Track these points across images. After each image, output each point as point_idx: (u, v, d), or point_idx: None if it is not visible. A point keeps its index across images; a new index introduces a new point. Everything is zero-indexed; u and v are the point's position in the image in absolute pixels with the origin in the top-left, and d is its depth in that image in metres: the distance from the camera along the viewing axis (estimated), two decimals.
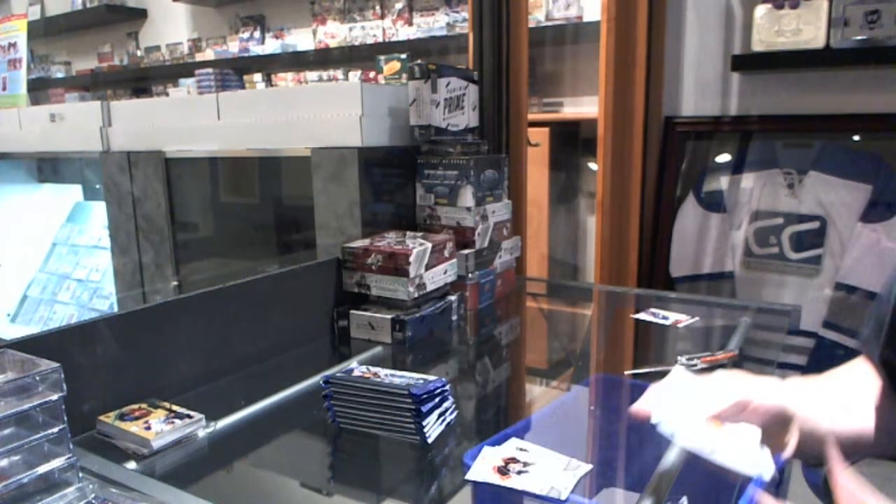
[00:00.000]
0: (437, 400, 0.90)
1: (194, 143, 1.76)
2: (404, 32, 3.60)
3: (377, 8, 3.72)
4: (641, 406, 0.75)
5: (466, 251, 1.49)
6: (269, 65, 4.14)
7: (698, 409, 0.73)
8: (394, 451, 0.91)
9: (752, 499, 0.74)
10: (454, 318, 1.45)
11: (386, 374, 0.95)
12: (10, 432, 0.70)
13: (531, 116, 2.19)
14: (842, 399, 0.84)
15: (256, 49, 4.18)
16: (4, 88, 2.45)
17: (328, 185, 1.45)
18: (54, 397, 0.72)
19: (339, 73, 3.91)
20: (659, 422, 0.73)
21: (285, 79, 4.07)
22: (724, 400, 0.73)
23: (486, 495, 0.77)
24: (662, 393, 0.76)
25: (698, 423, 0.72)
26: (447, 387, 0.93)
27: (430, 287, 1.37)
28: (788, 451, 0.74)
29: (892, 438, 0.81)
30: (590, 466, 0.79)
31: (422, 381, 0.91)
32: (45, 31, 5.27)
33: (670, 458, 0.79)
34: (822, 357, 1.83)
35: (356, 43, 3.78)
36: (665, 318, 1.41)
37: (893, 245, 1.72)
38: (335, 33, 3.89)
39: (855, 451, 0.82)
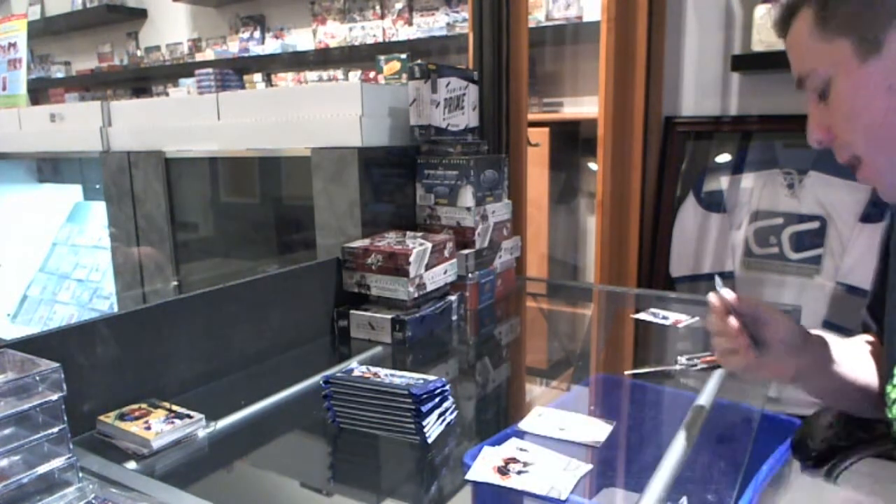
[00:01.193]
0: (437, 400, 0.90)
1: (194, 143, 1.76)
2: (404, 32, 3.60)
3: (377, 8, 3.72)
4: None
5: (466, 251, 1.49)
6: (269, 65, 4.14)
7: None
8: (394, 451, 0.91)
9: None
10: (454, 318, 1.45)
11: (386, 374, 0.95)
12: (10, 432, 0.70)
13: (531, 116, 2.19)
14: (851, 354, 0.91)
15: (256, 49, 4.18)
16: (4, 88, 2.46)
17: (328, 185, 1.45)
18: (54, 397, 0.72)
19: (339, 73, 3.91)
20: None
21: (285, 79, 4.07)
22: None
23: (486, 495, 0.77)
24: None
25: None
26: (447, 387, 0.93)
27: (430, 287, 1.37)
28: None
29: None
30: (589, 466, 0.79)
31: (422, 381, 0.91)
32: (45, 31, 5.27)
33: (671, 458, 0.79)
34: None
35: (356, 43, 3.78)
36: (665, 318, 1.41)
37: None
38: (335, 33, 3.89)
39: (860, 404, 0.90)
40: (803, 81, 0.77)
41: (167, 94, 4.41)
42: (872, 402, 0.88)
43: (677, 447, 0.82)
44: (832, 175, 1.86)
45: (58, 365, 0.73)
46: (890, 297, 0.85)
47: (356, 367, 0.98)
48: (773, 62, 1.84)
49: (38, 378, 0.72)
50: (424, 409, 0.88)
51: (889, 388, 0.79)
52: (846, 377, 0.87)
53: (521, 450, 0.83)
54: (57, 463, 0.72)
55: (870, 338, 0.95)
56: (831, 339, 0.89)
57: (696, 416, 0.91)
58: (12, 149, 2.31)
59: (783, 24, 0.80)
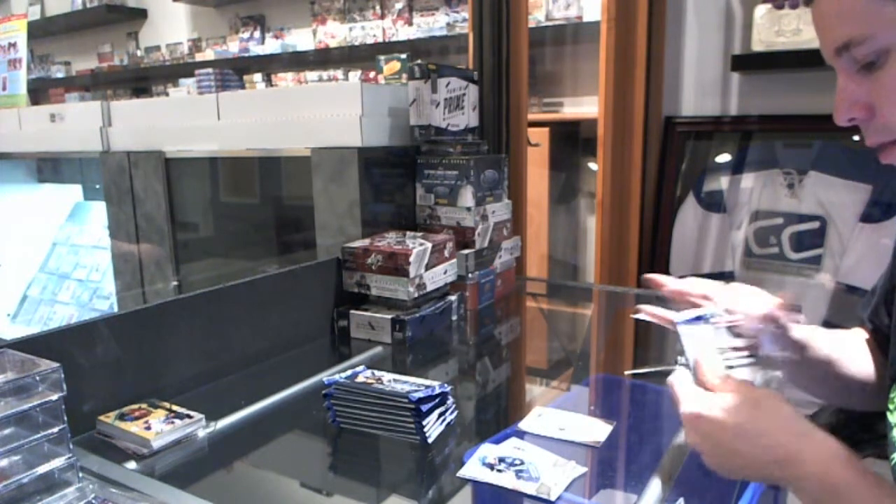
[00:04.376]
0: (437, 400, 0.90)
1: (194, 143, 1.76)
2: (404, 32, 3.60)
3: (377, 8, 3.73)
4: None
5: (466, 251, 1.49)
6: (269, 65, 4.14)
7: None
8: (394, 451, 0.91)
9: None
10: (454, 318, 1.45)
11: (389, 381, 0.94)
12: (10, 432, 0.70)
13: (531, 116, 2.19)
14: (849, 346, 0.89)
15: (256, 49, 4.18)
16: (4, 88, 2.45)
17: (328, 185, 1.45)
18: (54, 397, 0.72)
19: (339, 73, 3.91)
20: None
21: (285, 79, 4.07)
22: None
23: (485, 495, 0.77)
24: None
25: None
26: (447, 388, 0.93)
27: (430, 287, 1.37)
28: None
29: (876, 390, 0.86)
30: (584, 469, 0.79)
31: (424, 387, 0.91)
32: (45, 31, 5.27)
33: (670, 458, 0.79)
34: None
35: (356, 43, 3.78)
36: None
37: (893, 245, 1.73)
38: (335, 33, 3.89)
39: (852, 397, 0.89)
40: (847, 48, 0.64)
41: (167, 94, 4.40)
42: (866, 395, 0.87)
43: (677, 447, 0.82)
44: (832, 175, 1.86)
45: (58, 365, 0.73)
46: None
47: (361, 370, 0.98)
48: (773, 62, 1.84)
49: (38, 378, 0.72)
50: (424, 408, 0.88)
51: (893, 393, 0.78)
52: (836, 369, 0.85)
53: (518, 448, 0.83)
54: (57, 463, 0.72)
55: (864, 333, 0.94)
56: (815, 329, 0.86)
57: None
58: (12, 149, 2.31)
59: None
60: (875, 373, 0.87)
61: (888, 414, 0.77)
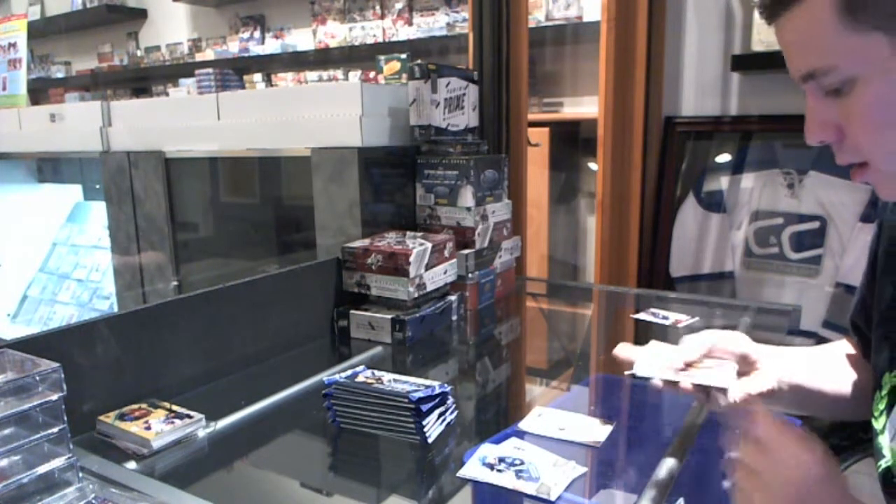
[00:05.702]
0: (437, 400, 0.90)
1: (194, 143, 1.76)
2: (404, 32, 3.60)
3: (377, 8, 3.72)
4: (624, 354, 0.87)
5: (466, 251, 1.49)
6: (269, 65, 4.14)
7: (672, 357, 0.83)
8: (394, 451, 0.91)
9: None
10: (454, 318, 1.45)
11: (389, 381, 0.94)
12: (10, 432, 0.70)
13: (531, 116, 2.19)
14: (826, 361, 0.91)
15: (256, 49, 4.18)
16: (4, 88, 2.45)
17: (328, 185, 1.45)
18: (54, 397, 0.72)
19: (339, 73, 3.91)
20: (637, 369, 0.84)
21: (285, 79, 4.07)
22: (692, 348, 0.83)
23: (485, 495, 0.77)
24: (641, 351, 0.87)
25: (671, 366, 0.82)
26: (447, 388, 0.93)
27: (430, 287, 1.37)
28: (758, 385, 0.80)
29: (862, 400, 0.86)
30: (585, 469, 0.79)
31: (424, 387, 0.91)
32: (45, 31, 5.27)
33: (670, 458, 0.79)
34: None
35: (356, 43, 3.78)
36: (665, 318, 1.41)
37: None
38: (335, 33, 3.89)
39: (835, 410, 0.90)
40: (812, 77, 0.64)
41: (167, 94, 4.40)
42: (855, 406, 0.87)
43: (676, 448, 0.82)
44: (832, 175, 1.86)
45: (58, 365, 0.73)
46: (877, 308, 0.82)
47: (361, 370, 0.98)
48: (773, 62, 1.84)
49: (38, 378, 0.72)
50: (424, 408, 0.88)
51: (877, 399, 0.78)
52: (808, 387, 0.86)
53: (518, 448, 0.84)
54: (57, 463, 0.72)
55: (848, 344, 0.94)
56: (791, 363, 0.87)
57: (695, 417, 0.91)
58: (12, 149, 2.31)
59: (778, 6, 0.64)
60: (859, 383, 0.87)
61: (873, 420, 0.77)
